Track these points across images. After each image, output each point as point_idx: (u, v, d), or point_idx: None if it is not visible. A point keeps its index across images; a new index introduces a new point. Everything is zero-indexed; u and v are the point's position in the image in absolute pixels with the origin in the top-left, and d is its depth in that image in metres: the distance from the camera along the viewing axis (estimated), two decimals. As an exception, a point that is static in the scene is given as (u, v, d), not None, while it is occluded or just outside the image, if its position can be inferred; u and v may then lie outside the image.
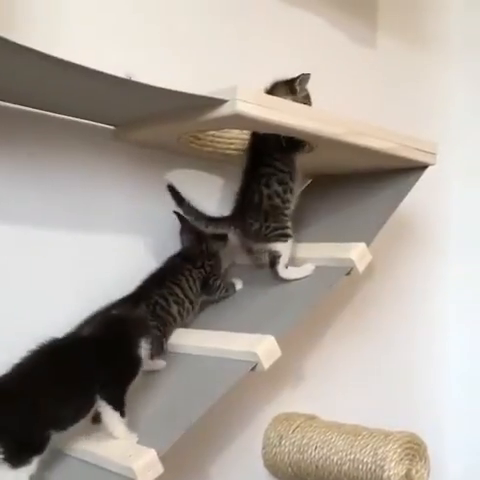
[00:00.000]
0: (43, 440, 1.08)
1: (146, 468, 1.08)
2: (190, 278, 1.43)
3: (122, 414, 1.15)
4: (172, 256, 1.48)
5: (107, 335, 1.19)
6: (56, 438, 1.11)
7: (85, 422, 1.17)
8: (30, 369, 1.11)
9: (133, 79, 1.16)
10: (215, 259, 1.49)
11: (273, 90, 1.45)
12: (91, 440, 1.18)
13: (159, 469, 1.09)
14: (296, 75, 1.46)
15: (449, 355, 2.15)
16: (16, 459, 1.05)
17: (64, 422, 1.11)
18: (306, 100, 1.49)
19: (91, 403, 1.14)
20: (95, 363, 1.14)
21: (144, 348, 1.20)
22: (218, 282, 1.48)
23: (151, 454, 1.09)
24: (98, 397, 1.14)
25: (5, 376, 1.10)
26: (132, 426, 1.18)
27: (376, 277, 1.93)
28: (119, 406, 1.15)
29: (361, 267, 1.42)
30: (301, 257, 1.48)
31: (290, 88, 1.47)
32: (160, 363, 1.33)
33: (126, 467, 1.08)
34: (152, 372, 1.31)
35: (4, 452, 1.04)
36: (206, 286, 1.46)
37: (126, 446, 1.13)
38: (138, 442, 1.14)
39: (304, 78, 1.47)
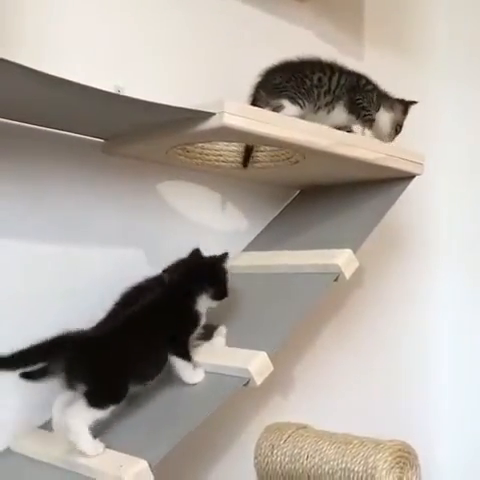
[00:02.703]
0: (123, 392, 1.20)
1: (137, 478, 1.08)
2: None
3: (190, 360, 1.30)
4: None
5: (169, 295, 1.33)
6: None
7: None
8: (117, 326, 1.25)
9: (122, 93, 1.18)
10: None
11: (393, 103, 1.59)
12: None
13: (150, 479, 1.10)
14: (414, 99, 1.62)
15: (440, 363, 2.16)
16: (95, 399, 1.16)
17: (142, 378, 1.24)
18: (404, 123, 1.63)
19: (165, 360, 1.28)
20: (164, 323, 1.29)
21: (203, 300, 1.33)
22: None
23: (142, 465, 1.10)
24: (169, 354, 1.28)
25: (95, 329, 1.27)
26: (125, 435, 1.20)
27: (366, 285, 1.94)
28: (186, 356, 1.30)
29: (348, 273, 1.43)
30: (289, 264, 1.49)
31: (405, 109, 1.61)
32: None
33: (116, 477, 1.09)
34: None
35: (86, 391, 1.15)
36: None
37: (116, 458, 1.14)
38: (130, 453, 1.14)
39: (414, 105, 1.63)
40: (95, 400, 1.15)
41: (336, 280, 1.43)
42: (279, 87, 1.47)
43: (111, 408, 1.17)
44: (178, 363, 1.29)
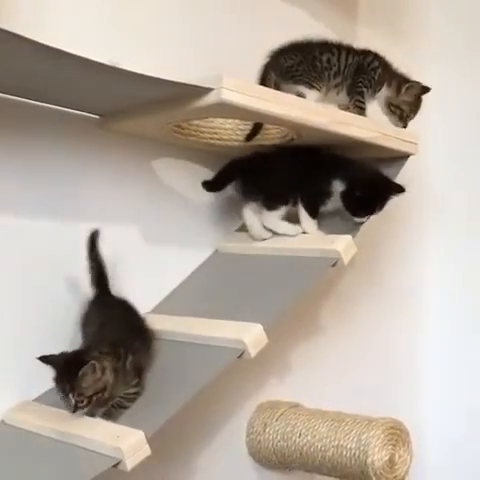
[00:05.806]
0: (286, 197, 1.49)
1: (134, 449, 1.10)
2: None
3: (314, 217, 1.50)
4: None
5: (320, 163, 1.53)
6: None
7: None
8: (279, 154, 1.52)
9: (118, 67, 1.16)
10: None
11: (392, 73, 1.57)
12: (78, 424, 1.18)
13: (146, 450, 1.11)
14: (417, 80, 1.57)
15: (430, 343, 2.18)
16: (270, 204, 1.48)
17: (297, 193, 1.50)
18: (404, 106, 1.57)
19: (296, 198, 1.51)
20: (299, 176, 1.50)
21: (339, 186, 1.49)
22: None
23: (139, 435, 1.11)
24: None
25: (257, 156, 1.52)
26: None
27: (356, 266, 1.94)
28: (313, 213, 1.50)
29: (346, 259, 1.43)
30: (287, 247, 1.50)
31: (398, 86, 1.57)
32: None
33: (114, 448, 1.09)
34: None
35: (263, 199, 1.48)
36: None
37: (112, 428, 1.15)
38: (125, 424, 1.15)
39: (414, 86, 1.57)
40: (270, 205, 1.47)
41: (334, 265, 1.43)
42: (291, 70, 1.48)
43: (284, 208, 1.48)
44: (302, 213, 1.50)
